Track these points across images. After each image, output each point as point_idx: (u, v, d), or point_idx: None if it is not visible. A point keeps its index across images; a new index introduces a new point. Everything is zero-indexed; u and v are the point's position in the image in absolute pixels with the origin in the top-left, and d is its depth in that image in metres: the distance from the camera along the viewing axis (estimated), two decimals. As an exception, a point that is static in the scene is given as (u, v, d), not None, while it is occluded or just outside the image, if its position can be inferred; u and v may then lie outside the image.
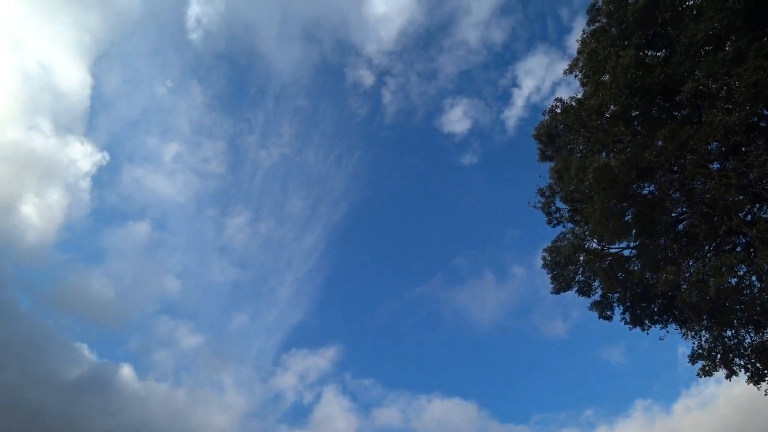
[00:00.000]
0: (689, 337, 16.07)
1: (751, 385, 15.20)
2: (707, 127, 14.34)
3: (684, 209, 15.44)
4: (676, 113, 15.49)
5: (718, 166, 14.90)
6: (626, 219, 15.35)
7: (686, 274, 15.03)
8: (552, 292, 16.34)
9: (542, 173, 15.96)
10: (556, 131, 15.02)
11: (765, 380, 14.84)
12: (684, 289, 15.03)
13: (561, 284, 16.16)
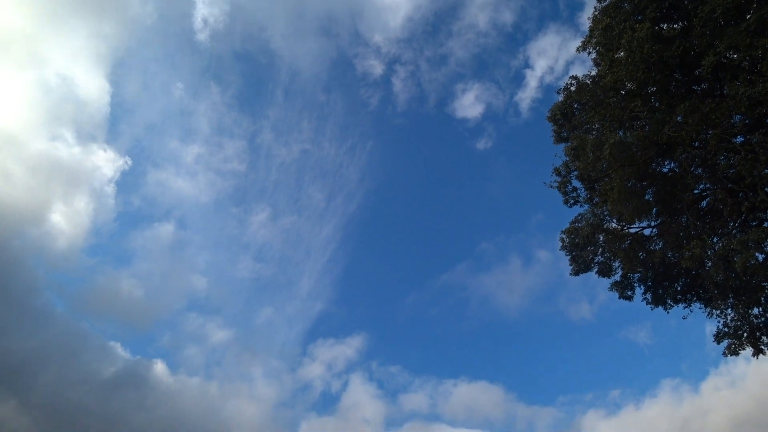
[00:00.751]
0: (714, 315, 15.78)
1: (780, 363, 14.86)
2: (730, 99, 13.93)
3: (707, 186, 15.07)
4: (696, 87, 15.07)
5: (743, 139, 14.48)
6: (646, 198, 15.10)
7: (710, 252, 14.72)
8: (571, 274, 16.21)
9: (558, 154, 15.75)
10: (571, 110, 14.79)
11: (794, 357, 14.48)
12: (708, 266, 14.71)
13: (580, 266, 16.02)
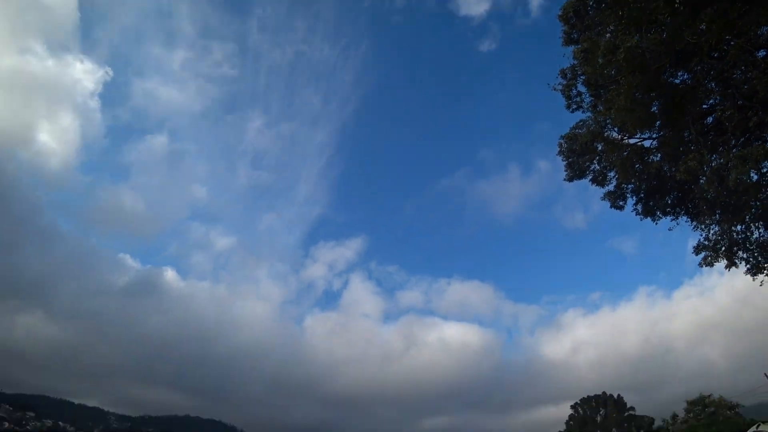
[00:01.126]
0: (699, 229, 16.47)
1: (749, 278, 15.83)
2: (762, 8, 13.19)
3: (717, 100, 14.82)
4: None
5: (765, 54, 13.88)
6: (652, 109, 15.07)
7: (706, 167, 14.97)
8: (565, 179, 16.70)
9: (567, 56, 15.37)
10: (585, 9, 14.13)
11: (763, 272, 15.40)
12: (702, 181, 15.09)
13: (575, 172, 16.48)
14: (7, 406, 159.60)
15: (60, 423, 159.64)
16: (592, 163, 16.32)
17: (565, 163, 16.48)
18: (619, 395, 57.73)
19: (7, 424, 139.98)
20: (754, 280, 15.48)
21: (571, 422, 59.02)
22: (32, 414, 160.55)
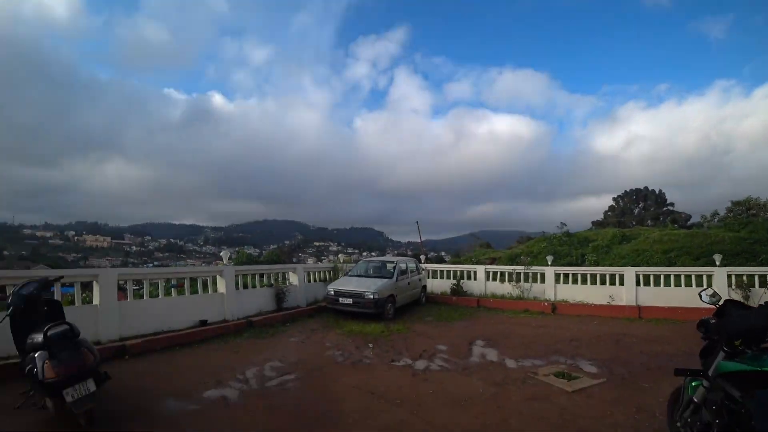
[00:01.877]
0: None
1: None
2: None
3: None
4: None
5: None
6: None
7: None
8: None
9: None
10: None
11: None
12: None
13: None
14: (129, 235, 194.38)
15: (171, 240, 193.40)
16: None
17: None
18: (660, 190, 53.76)
19: (134, 247, 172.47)
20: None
21: (609, 212, 58.11)
22: (149, 237, 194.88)
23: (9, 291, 5.23)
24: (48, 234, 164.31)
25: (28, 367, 4.21)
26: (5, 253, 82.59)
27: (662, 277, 12.98)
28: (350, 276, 13.23)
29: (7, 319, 4.73)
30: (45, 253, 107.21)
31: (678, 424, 3.69)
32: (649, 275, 13.29)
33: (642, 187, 54.62)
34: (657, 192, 52.93)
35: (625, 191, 56.96)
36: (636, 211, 54.83)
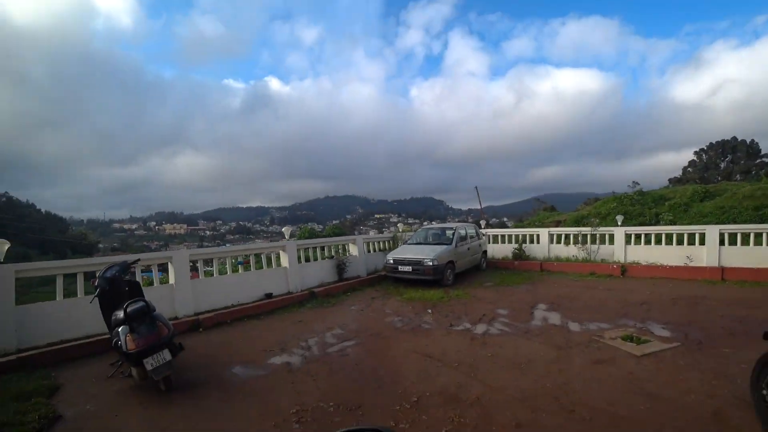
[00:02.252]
0: None
1: None
2: None
3: None
4: None
5: None
6: None
7: None
8: None
9: None
10: None
11: None
12: None
13: None
14: (202, 221, 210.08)
15: (240, 222, 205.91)
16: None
17: None
18: (753, 140, 47.08)
19: (208, 232, 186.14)
20: None
21: (690, 168, 52.36)
22: (220, 221, 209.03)
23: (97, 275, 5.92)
24: (134, 226, 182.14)
25: (114, 341, 4.80)
26: (100, 245, 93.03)
27: (752, 235, 11.62)
28: (409, 244, 13.27)
29: (96, 299, 5.37)
30: (132, 243, 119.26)
31: (764, 392, 3.37)
32: (735, 233, 12.01)
33: (730, 138, 48.98)
34: (748, 142, 47.25)
35: (710, 143, 51.47)
36: (723, 165, 49.45)
